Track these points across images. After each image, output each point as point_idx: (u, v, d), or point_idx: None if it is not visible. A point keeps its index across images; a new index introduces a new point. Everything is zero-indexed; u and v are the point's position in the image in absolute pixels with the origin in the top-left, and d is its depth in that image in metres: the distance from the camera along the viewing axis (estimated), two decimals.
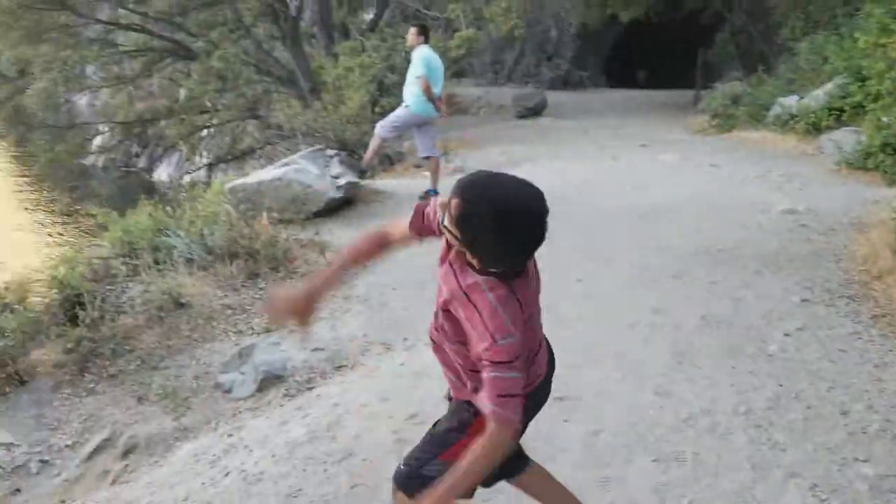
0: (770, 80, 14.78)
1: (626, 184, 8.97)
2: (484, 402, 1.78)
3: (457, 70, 28.13)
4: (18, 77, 18.05)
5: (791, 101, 12.45)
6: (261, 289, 5.14)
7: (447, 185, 8.58)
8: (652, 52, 25.85)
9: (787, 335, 4.13)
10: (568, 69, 28.34)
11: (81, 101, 23.91)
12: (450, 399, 2.16)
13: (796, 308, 4.61)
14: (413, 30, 7.54)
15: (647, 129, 15.10)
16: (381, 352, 4.29)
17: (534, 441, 3.05)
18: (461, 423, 2.04)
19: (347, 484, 2.81)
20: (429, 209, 1.99)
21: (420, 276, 5.39)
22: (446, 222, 1.74)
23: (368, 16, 19.52)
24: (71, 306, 4.83)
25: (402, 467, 2.13)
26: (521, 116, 19.35)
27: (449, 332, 1.90)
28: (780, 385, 3.48)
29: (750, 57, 20.15)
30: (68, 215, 17.29)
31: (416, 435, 3.14)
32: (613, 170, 10.29)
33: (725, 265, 5.53)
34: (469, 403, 2.02)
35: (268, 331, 4.63)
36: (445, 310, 1.87)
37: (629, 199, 7.90)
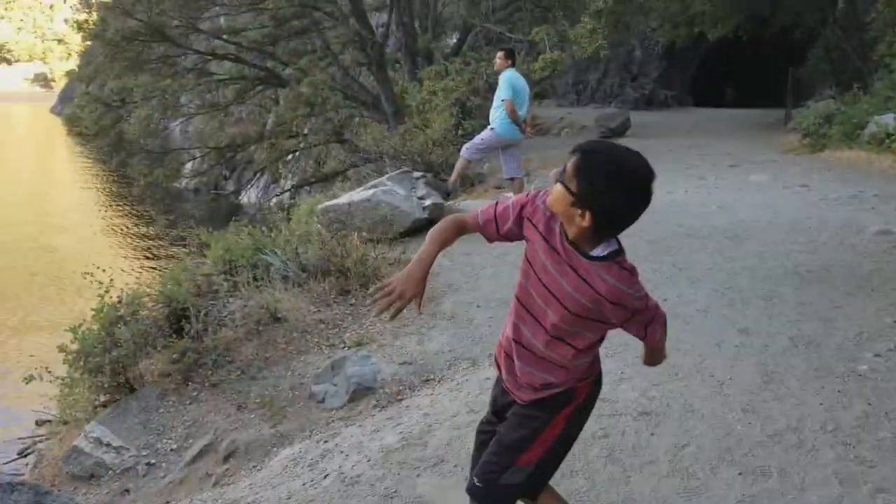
0: (865, 97, 14.32)
1: (713, 204, 8.86)
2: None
3: (539, 91, 28.32)
4: (120, 105, 19.10)
5: (888, 120, 12.06)
6: (351, 304, 5.34)
7: None
8: (741, 70, 25.37)
9: (877, 356, 4.05)
10: (653, 88, 28.10)
11: (175, 127, 25.13)
12: (509, 403, 2.23)
13: (889, 329, 4.51)
14: (500, 53, 7.72)
15: (735, 149, 14.84)
16: (468, 366, 4.41)
17: (620, 452, 3.12)
18: (535, 430, 2.13)
19: (440, 487, 2.93)
20: (502, 208, 2.13)
21: (504, 293, 5.50)
22: (564, 179, 1.87)
23: (452, 41, 19.90)
24: (177, 319, 5.15)
25: (477, 483, 2.18)
26: (604, 136, 19.28)
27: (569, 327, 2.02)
28: (869, 404, 3.43)
29: (844, 74, 19.55)
30: (165, 236, 18.13)
31: None
32: (700, 190, 10.17)
33: (815, 286, 5.43)
34: (541, 408, 2.12)
35: (358, 344, 4.82)
36: (575, 313, 1.98)
37: (716, 220, 7.82)
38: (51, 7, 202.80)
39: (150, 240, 19.82)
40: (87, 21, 20.39)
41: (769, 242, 6.75)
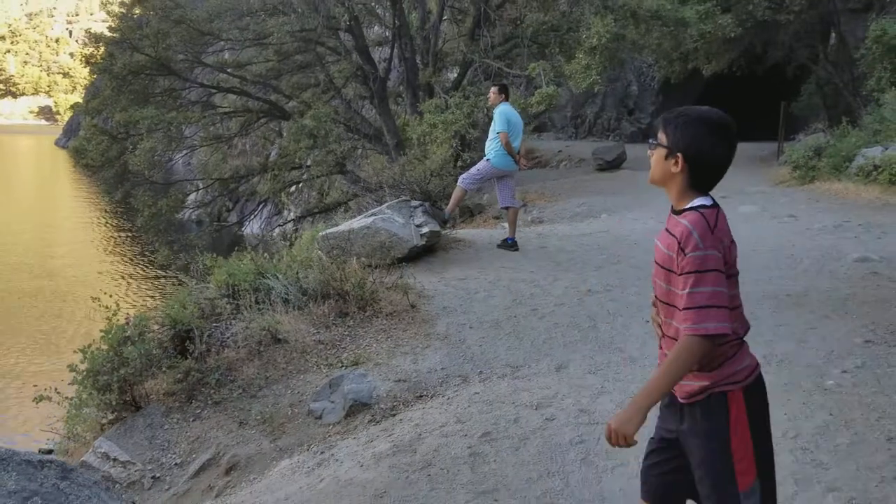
0: (854, 131, 14.66)
1: None
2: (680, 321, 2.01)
3: (537, 125, 28.75)
4: (126, 137, 19.46)
5: (875, 152, 12.38)
6: (349, 326, 5.58)
7: (524, 235, 8.91)
8: (738, 104, 25.78)
9: (844, 372, 4.29)
10: (649, 122, 28.56)
11: (179, 159, 25.53)
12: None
13: (858, 348, 4.75)
14: (494, 89, 8.04)
15: (727, 181, 14.77)
16: (459, 383, 4.64)
17: (594, 457, 3.34)
18: (716, 430, 2.06)
19: (427, 487, 3.15)
20: (716, 295, 2.02)
21: (496, 315, 5.76)
22: (656, 142, 2.12)
23: (452, 75, 20.33)
24: (181, 341, 5.38)
25: None
26: (601, 169, 19.67)
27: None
28: (831, 415, 3.65)
29: (836, 109, 19.98)
30: (167, 267, 18.42)
31: (488, 449, 3.48)
32: None
33: (792, 310, 5.68)
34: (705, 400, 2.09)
35: (355, 364, 5.04)
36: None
37: None
38: (56, 41, 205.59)
39: (153, 269, 20.13)
40: (94, 55, 20.88)
41: (751, 269, 6.98)
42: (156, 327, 5.52)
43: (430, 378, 4.77)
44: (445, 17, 21.22)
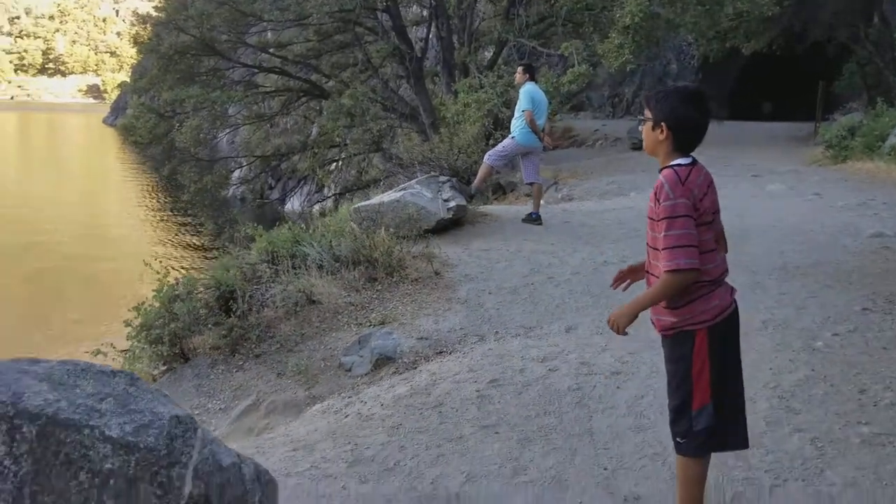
0: (890, 111, 14.62)
1: (725, 210, 9.34)
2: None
3: (575, 104, 28.79)
4: (172, 116, 20.17)
5: None
6: (377, 290, 6.04)
7: (551, 210, 9.24)
8: (780, 83, 25.53)
9: (835, 335, 4.60)
10: None
11: (223, 137, 26.25)
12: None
13: (855, 315, 5.05)
14: (519, 69, 8.37)
15: (760, 161, 15.25)
16: (476, 341, 5.06)
17: (588, 400, 3.75)
18: (681, 360, 2.48)
19: (437, 421, 3.60)
20: (687, 235, 2.39)
21: (514, 282, 6.16)
22: (643, 119, 2.53)
23: (488, 54, 20.59)
24: (225, 301, 5.89)
25: (678, 441, 2.51)
26: (636, 148, 19.76)
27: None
28: (813, 370, 3.99)
29: (877, 89, 19.76)
30: (213, 240, 19.14)
31: (494, 393, 3.91)
32: None
33: (798, 280, 5.97)
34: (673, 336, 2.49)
35: (382, 323, 5.50)
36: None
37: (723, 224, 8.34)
38: (104, 20, 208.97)
39: (199, 240, 20.92)
40: (141, 35, 21.61)
41: (766, 243, 7.28)
42: (202, 288, 6.04)
43: (449, 336, 5.20)
44: None
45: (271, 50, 20.20)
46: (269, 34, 22.01)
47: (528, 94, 8.09)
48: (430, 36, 20.48)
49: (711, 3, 16.81)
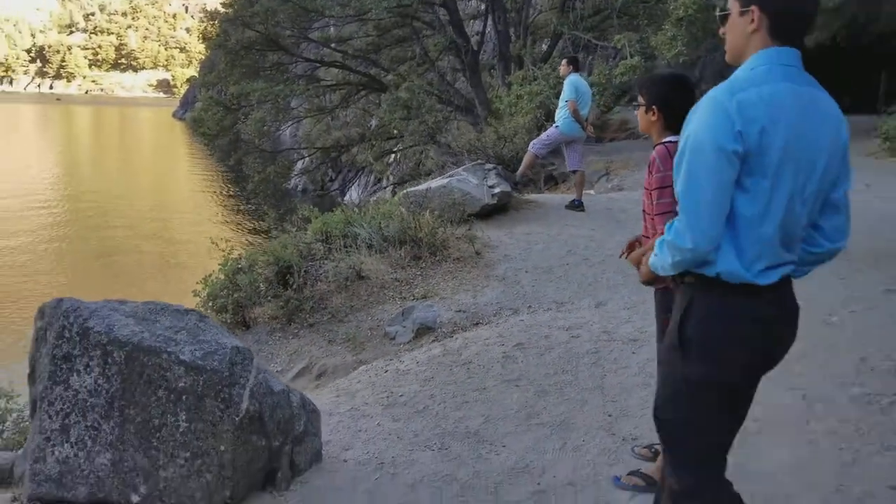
0: None
1: None
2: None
3: (632, 96, 28.66)
4: (238, 109, 21.02)
5: None
6: (421, 267, 6.49)
7: (596, 199, 9.55)
8: (844, 76, 24.99)
9: (852, 311, 4.86)
10: None
11: (286, 129, 27.13)
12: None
13: (876, 295, 5.27)
14: (564, 61, 8.71)
15: None
16: (510, 314, 5.46)
17: (603, 361, 4.12)
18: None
19: (465, 376, 4.03)
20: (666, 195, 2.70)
21: (550, 263, 6.53)
22: (638, 101, 2.92)
23: (544, 47, 20.85)
24: (283, 276, 6.41)
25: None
26: None
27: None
28: (820, 340, 4.27)
29: None
30: (275, 228, 19.97)
31: (518, 354, 4.32)
32: None
33: (829, 263, 6.17)
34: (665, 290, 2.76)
35: (424, 297, 5.94)
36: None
37: None
38: (174, 17, 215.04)
39: (260, 224, 21.80)
40: (210, 31, 22.53)
41: None
42: (262, 263, 6.58)
43: (485, 310, 5.61)
44: None
45: (332, 45, 20.85)
46: (331, 29, 22.71)
47: (573, 84, 8.42)
48: (487, 29, 20.84)
49: None
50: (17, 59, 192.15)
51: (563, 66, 8.62)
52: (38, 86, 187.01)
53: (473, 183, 8.13)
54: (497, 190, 8.18)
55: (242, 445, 2.70)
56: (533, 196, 9.76)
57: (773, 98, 1.89)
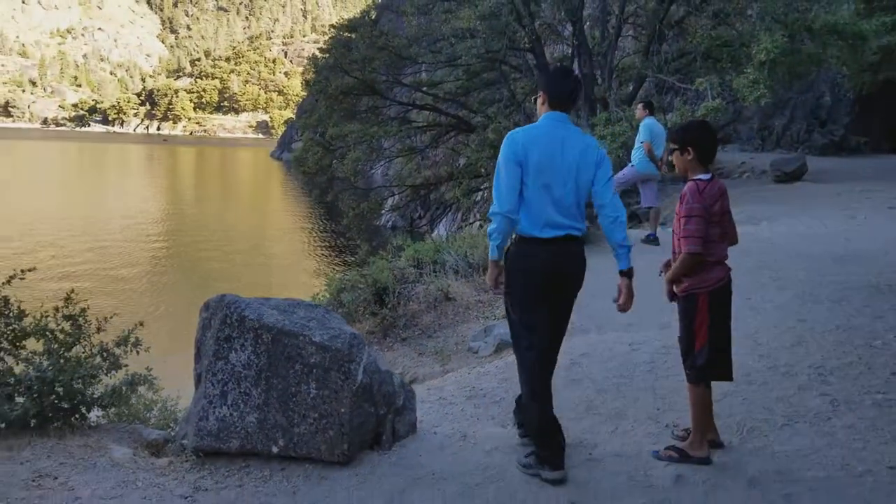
0: None
1: (843, 236, 9.83)
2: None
3: (722, 136, 28.79)
4: (335, 149, 22.40)
5: None
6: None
7: (666, 234, 10.05)
8: None
9: (888, 331, 5.30)
10: (843, 135, 27.77)
11: (378, 169, 28.49)
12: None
13: None
14: (639, 105, 9.39)
15: None
16: (579, 333, 6.10)
17: (654, 366, 4.72)
18: (689, 314, 3.56)
19: None
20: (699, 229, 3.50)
21: (612, 287, 7.13)
22: (672, 149, 3.64)
23: (629, 90, 21.44)
24: (380, 296, 7.26)
25: (687, 372, 3.56)
26: (779, 180, 19.86)
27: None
28: (859, 358, 4.74)
29: None
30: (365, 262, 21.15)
31: (583, 361, 4.97)
32: (842, 225, 11.04)
33: (885, 297, 6.56)
34: (685, 296, 3.59)
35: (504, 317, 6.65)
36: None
37: (835, 248, 8.87)
38: (273, 62, 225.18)
39: (353, 257, 23.10)
40: (311, 79, 24.13)
41: (868, 264, 7.81)
42: (362, 285, 7.45)
43: None
44: (629, 33, 22.41)
45: (424, 88, 22.04)
46: (423, 74, 23.95)
47: (648, 127, 9.06)
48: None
49: (854, 38, 16.86)
50: (129, 102, 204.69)
51: (639, 110, 9.28)
52: (147, 127, 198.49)
53: None
54: None
55: (357, 410, 3.46)
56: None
57: (531, 135, 3.49)
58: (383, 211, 26.13)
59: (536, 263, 3.51)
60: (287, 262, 24.31)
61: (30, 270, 4.85)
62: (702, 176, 3.52)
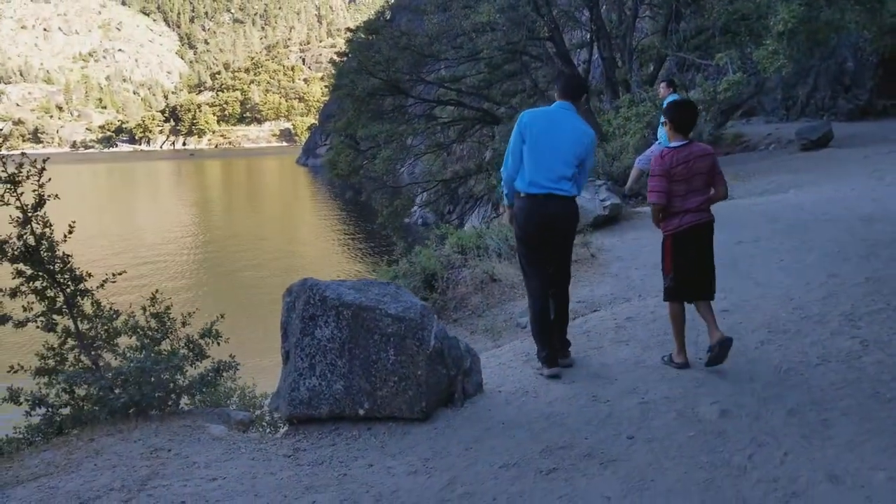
0: None
1: (870, 197, 10.06)
2: None
3: (746, 109, 28.82)
4: (365, 150, 22.92)
5: None
6: None
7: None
8: None
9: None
10: (868, 99, 27.65)
11: (403, 169, 29.01)
12: None
13: None
14: (663, 84, 9.72)
15: None
16: (622, 302, 6.49)
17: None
18: (662, 250, 4.60)
19: (585, 340, 5.13)
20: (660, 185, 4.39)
21: (656, 260, 7.45)
22: (664, 121, 4.43)
23: (649, 70, 21.68)
24: (429, 281, 7.70)
25: (663, 291, 4.58)
26: (805, 149, 19.96)
27: None
28: (888, 304, 5.08)
29: None
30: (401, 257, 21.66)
31: (628, 324, 5.37)
32: (869, 187, 11.24)
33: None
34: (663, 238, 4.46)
35: None
36: None
37: (862, 209, 9.12)
38: (292, 69, 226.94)
39: (378, 257, 23.64)
40: (336, 84, 24.69)
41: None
42: (412, 272, 7.89)
43: (601, 299, 6.67)
44: (646, 14, 22.63)
45: (447, 84, 22.45)
46: (445, 70, 24.36)
47: None
48: (594, 57, 21.87)
49: (872, 1, 16.93)
50: (153, 119, 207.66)
51: (662, 88, 9.61)
52: (173, 143, 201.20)
53: (586, 197, 9.20)
54: (608, 202, 9.22)
55: (431, 371, 3.90)
56: (644, 208, 10.70)
57: (535, 114, 4.55)
58: (413, 208, 26.62)
59: (523, 213, 4.55)
60: (324, 265, 24.92)
61: (120, 274, 5.37)
62: (675, 143, 4.33)
